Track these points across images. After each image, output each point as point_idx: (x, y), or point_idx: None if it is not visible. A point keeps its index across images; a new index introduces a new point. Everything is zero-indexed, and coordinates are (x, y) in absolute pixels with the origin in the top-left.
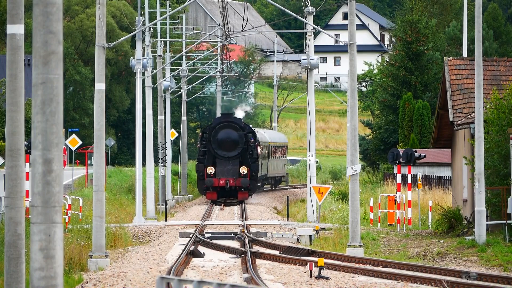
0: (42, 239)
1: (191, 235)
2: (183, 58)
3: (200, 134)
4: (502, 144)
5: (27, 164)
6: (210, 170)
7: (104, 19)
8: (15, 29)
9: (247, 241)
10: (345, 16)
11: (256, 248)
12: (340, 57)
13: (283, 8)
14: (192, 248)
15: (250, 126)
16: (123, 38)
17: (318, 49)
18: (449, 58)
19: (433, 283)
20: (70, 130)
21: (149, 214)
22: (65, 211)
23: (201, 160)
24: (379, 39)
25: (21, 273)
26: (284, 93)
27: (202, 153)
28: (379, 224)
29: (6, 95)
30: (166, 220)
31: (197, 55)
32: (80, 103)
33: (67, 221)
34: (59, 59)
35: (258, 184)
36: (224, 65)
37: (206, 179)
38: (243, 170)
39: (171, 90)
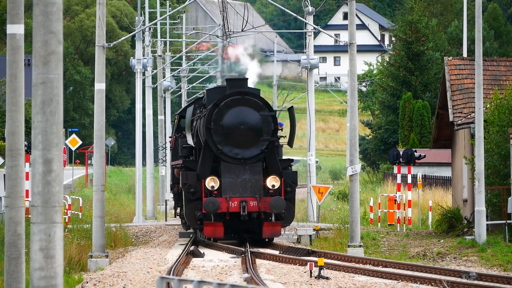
0: (42, 239)
1: (191, 235)
2: (183, 58)
3: (176, 116)
4: (502, 144)
5: (27, 164)
6: (212, 183)
7: (104, 19)
8: (15, 29)
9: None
10: (345, 16)
11: (256, 248)
12: (340, 57)
13: (283, 8)
14: (192, 248)
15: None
16: (123, 38)
17: (318, 49)
18: (449, 58)
19: (433, 283)
20: (70, 130)
21: (149, 214)
22: (65, 211)
23: (190, 166)
24: (379, 39)
25: (21, 273)
26: (284, 93)
27: (186, 152)
28: (379, 224)
29: (6, 95)
30: (166, 220)
31: (197, 55)
32: (80, 103)
33: (67, 221)
34: (59, 59)
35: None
36: (224, 65)
37: (206, 200)
38: (273, 182)
39: (171, 90)
